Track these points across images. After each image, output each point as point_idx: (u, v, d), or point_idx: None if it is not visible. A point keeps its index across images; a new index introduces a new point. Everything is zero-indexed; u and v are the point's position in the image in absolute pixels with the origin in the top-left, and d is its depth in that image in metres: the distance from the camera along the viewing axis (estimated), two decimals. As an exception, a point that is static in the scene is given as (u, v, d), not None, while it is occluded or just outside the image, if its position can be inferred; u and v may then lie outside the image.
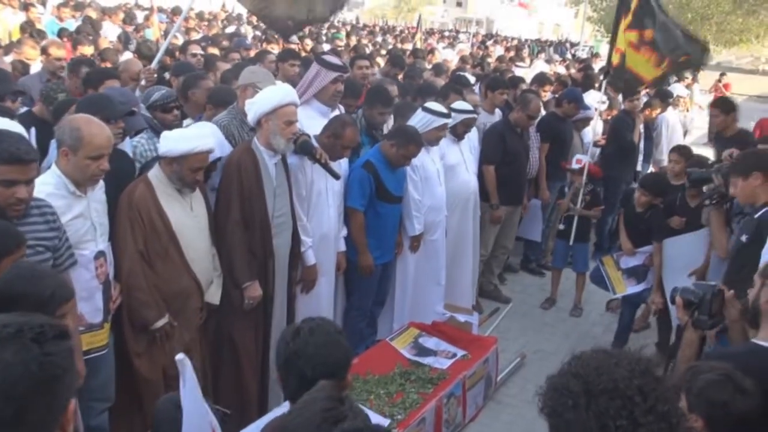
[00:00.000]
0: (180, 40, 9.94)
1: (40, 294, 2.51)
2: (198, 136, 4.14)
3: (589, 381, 1.65)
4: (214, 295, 4.46)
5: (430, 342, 5.49)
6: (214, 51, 8.52)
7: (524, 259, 8.45)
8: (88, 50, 7.84)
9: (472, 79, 8.56)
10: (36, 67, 7.16)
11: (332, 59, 5.52)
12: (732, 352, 2.98)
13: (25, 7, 11.21)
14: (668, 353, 3.52)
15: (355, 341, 5.67)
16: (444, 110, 5.86)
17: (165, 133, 4.19)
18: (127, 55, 8.34)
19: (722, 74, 19.94)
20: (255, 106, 4.54)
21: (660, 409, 1.61)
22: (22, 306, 2.40)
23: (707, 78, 19.19)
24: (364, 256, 5.47)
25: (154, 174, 4.15)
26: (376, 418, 4.44)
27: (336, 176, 4.95)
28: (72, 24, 11.46)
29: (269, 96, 4.54)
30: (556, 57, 17.72)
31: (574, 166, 7.23)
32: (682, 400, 2.54)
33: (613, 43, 7.45)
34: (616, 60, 7.29)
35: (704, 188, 5.11)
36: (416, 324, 5.70)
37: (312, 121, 5.21)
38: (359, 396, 4.69)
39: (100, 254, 3.71)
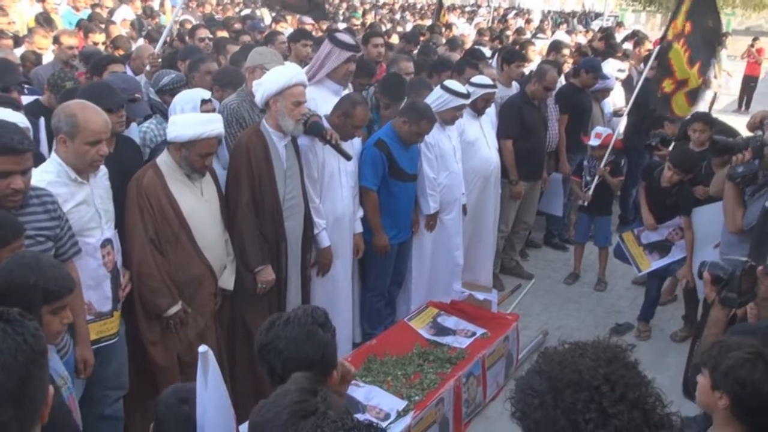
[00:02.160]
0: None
1: (46, 285, 2.48)
2: (206, 122, 4.08)
3: (553, 376, 1.58)
4: (227, 281, 4.43)
5: (449, 321, 5.45)
6: (224, 34, 8.44)
7: (547, 234, 8.34)
8: (99, 38, 7.79)
9: (488, 53, 8.40)
10: (48, 57, 7.15)
11: (345, 38, 5.40)
12: (758, 327, 2.87)
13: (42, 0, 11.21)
14: (694, 332, 3.40)
15: (373, 322, 5.67)
16: (463, 91, 5.74)
17: (172, 119, 4.15)
18: (140, 42, 8.31)
19: (755, 39, 19.35)
20: (262, 88, 4.49)
21: (630, 396, 1.53)
22: (23, 295, 2.40)
23: (738, 43, 18.76)
24: (379, 236, 5.41)
25: (163, 160, 4.11)
26: (393, 400, 4.43)
27: (348, 157, 4.88)
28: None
29: (276, 77, 4.47)
30: (580, 28, 17.41)
31: (593, 141, 7.05)
32: (705, 376, 2.47)
33: (674, 16, 7.08)
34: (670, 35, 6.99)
35: (736, 163, 4.79)
36: (435, 303, 5.66)
37: (325, 101, 5.15)
38: (376, 378, 4.68)
39: (107, 242, 3.67)
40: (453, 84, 5.78)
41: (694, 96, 6.81)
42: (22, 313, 1.57)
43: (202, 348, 2.23)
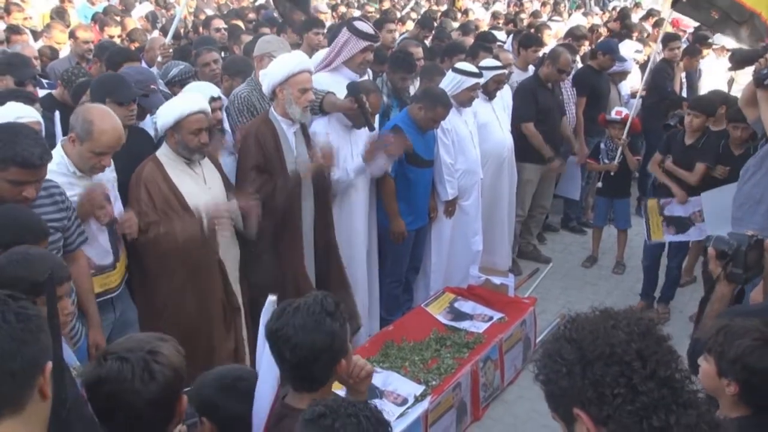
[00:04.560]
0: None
1: (35, 277, 2.41)
2: (185, 100, 4.11)
3: (584, 347, 1.54)
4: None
5: (466, 306, 5.46)
6: (239, 23, 8.46)
7: (564, 217, 8.30)
8: (115, 31, 7.82)
9: (502, 37, 8.35)
10: (66, 51, 7.20)
11: (363, 27, 5.39)
12: (752, 310, 2.84)
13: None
14: (699, 306, 3.33)
15: (391, 308, 5.68)
16: (474, 69, 5.75)
17: (157, 112, 4.16)
18: (155, 35, 8.35)
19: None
20: (268, 77, 4.51)
21: (661, 374, 1.50)
22: (16, 290, 2.37)
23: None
24: (396, 222, 5.40)
25: (162, 152, 4.11)
26: (410, 385, 4.44)
27: (372, 128, 4.88)
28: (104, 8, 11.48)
29: (281, 65, 4.48)
30: (596, 9, 17.21)
31: (613, 116, 6.99)
32: (710, 362, 2.45)
33: None
34: None
35: (760, 68, 4.55)
36: (451, 289, 5.67)
37: (340, 87, 5.13)
38: (394, 363, 4.69)
39: None
40: (464, 65, 5.78)
41: None
42: (13, 295, 1.60)
43: (272, 297, 2.34)
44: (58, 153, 3.54)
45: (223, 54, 6.42)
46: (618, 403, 1.47)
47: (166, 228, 3.93)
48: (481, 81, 5.84)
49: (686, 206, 6.02)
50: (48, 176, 3.32)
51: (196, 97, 4.16)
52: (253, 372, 2.50)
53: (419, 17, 10.68)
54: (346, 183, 4.96)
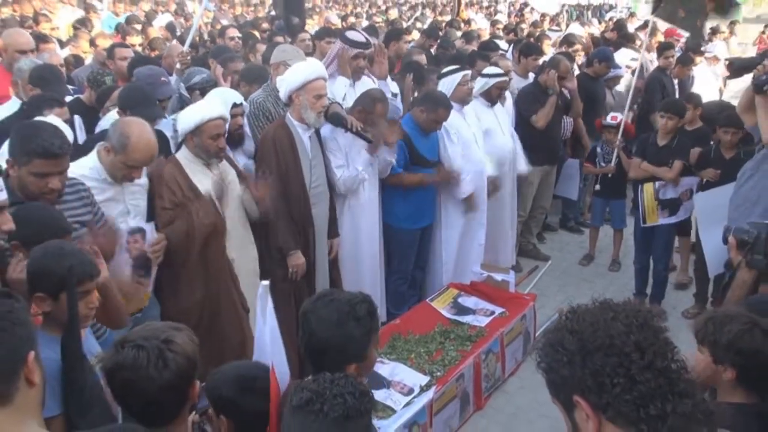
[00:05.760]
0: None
1: (58, 271, 2.50)
2: (205, 105, 4.28)
3: (585, 338, 1.57)
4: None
5: (468, 301, 5.62)
6: (254, 33, 8.73)
7: (563, 217, 8.52)
8: (136, 40, 8.09)
9: (504, 45, 8.61)
10: (89, 59, 7.47)
11: (354, 36, 5.71)
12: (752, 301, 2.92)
13: (86, 11, 11.48)
14: (720, 293, 3.42)
15: (398, 303, 5.85)
16: (455, 66, 6.05)
17: (178, 116, 4.35)
18: (174, 44, 8.62)
19: (767, 26, 19.18)
20: (285, 83, 4.75)
21: (658, 365, 1.54)
22: (42, 282, 2.51)
23: (748, 31, 18.64)
24: (441, 174, 5.69)
25: (182, 154, 4.28)
26: (416, 376, 4.59)
27: (370, 141, 5.07)
28: (129, 19, 11.70)
29: (298, 72, 4.73)
30: (594, 21, 17.47)
31: (609, 121, 7.25)
32: (704, 352, 2.54)
33: None
34: None
35: (759, 73, 4.71)
36: (455, 284, 5.85)
37: (336, 89, 5.46)
38: (400, 355, 4.84)
39: (138, 230, 3.79)
40: (445, 69, 6.08)
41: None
42: None
43: (265, 282, 2.48)
44: (92, 158, 3.72)
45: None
46: (617, 392, 1.51)
47: (186, 216, 4.10)
48: (484, 87, 6.13)
49: (677, 187, 6.24)
50: (81, 179, 3.52)
51: (216, 103, 4.35)
52: (266, 367, 2.56)
53: (425, 27, 10.98)
54: (357, 179, 5.18)
